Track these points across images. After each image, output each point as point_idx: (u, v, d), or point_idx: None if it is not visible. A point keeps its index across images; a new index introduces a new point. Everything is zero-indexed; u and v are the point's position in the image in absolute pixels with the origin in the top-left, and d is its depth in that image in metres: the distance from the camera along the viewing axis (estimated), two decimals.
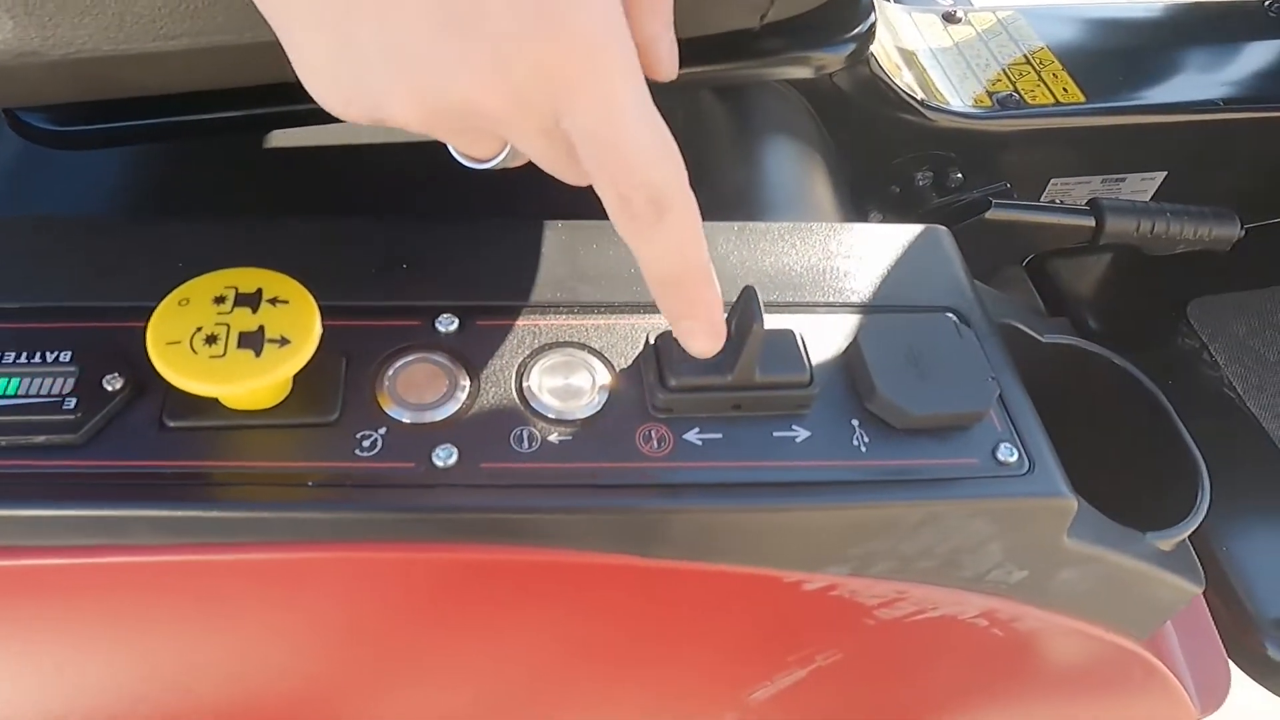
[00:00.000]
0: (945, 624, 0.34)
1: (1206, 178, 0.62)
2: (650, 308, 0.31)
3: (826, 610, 0.32)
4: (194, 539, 0.25)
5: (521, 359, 0.29)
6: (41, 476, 0.24)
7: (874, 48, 0.55)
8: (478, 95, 0.20)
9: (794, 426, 0.29)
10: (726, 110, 0.48)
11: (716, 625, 0.32)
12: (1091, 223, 0.56)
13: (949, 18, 0.64)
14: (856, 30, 0.43)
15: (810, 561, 0.29)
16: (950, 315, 0.33)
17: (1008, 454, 0.29)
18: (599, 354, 0.29)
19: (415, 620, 0.30)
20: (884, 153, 0.57)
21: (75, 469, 0.25)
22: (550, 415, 0.27)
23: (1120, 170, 0.61)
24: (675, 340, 0.27)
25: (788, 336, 0.29)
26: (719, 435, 0.28)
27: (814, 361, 0.29)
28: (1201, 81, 0.61)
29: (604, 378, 0.29)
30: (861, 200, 0.59)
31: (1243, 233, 0.58)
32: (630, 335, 0.30)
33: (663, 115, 0.22)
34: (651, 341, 0.29)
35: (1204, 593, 0.49)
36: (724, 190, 0.45)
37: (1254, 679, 0.52)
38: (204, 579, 0.26)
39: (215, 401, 0.25)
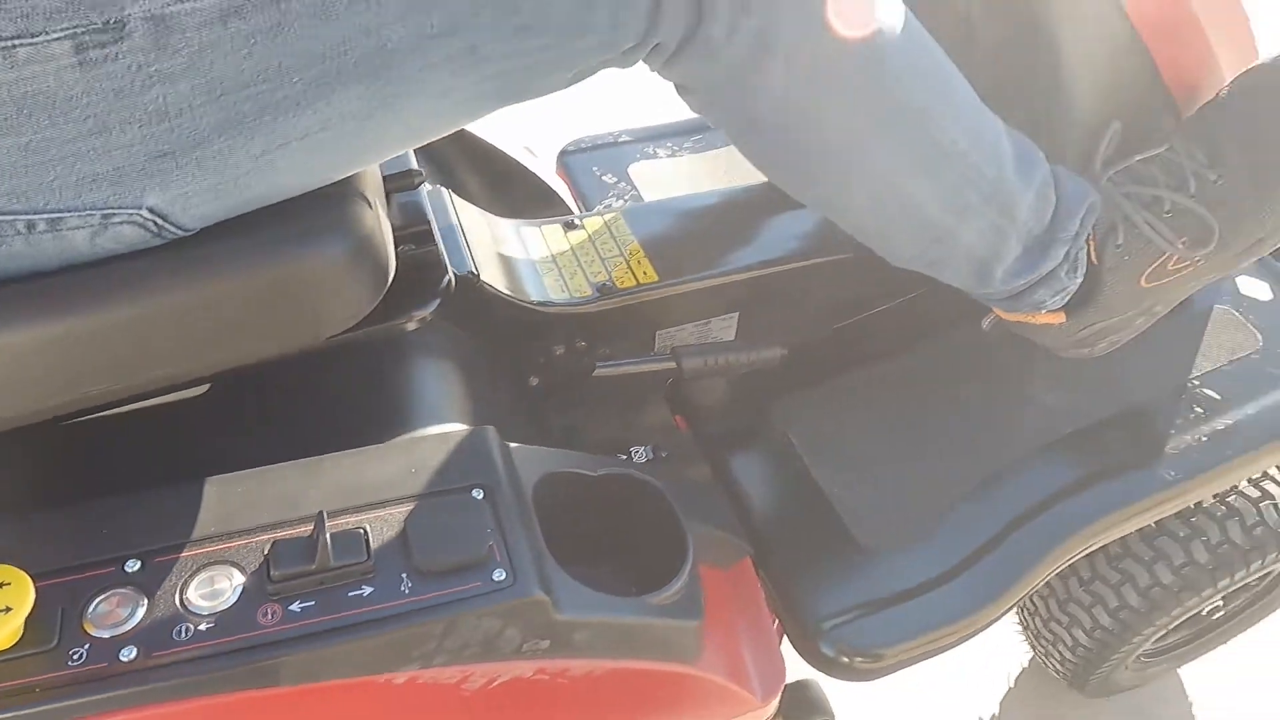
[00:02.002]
0: (517, 683, 0.53)
1: (768, 314, 0.85)
2: (272, 527, 0.49)
3: (423, 693, 0.50)
4: None
5: (183, 579, 0.46)
6: None
7: (497, 267, 0.76)
8: None
9: (362, 587, 0.47)
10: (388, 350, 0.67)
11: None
12: (674, 365, 0.79)
13: (568, 225, 0.86)
14: (440, 287, 0.64)
15: (389, 666, 0.48)
16: (477, 490, 0.52)
17: (499, 575, 0.49)
18: (237, 565, 0.47)
19: None
20: (528, 339, 0.78)
21: None
22: (201, 612, 0.45)
23: (701, 318, 0.84)
24: (285, 543, 0.46)
25: (356, 533, 0.48)
26: (312, 602, 0.46)
27: (381, 539, 0.48)
28: (754, 246, 0.85)
29: (238, 579, 0.47)
30: (525, 373, 0.80)
31: (784, 352, 0.82)
32: (258, 549, 0.48)
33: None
34: (265, 552, 0.47)
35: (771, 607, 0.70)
36: (378, 411, 0.63)
37: (820, 671, 0.73)
38: None
39: None
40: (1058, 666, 0.99)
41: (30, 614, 0.41)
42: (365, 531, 0.48)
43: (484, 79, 0.48)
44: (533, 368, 0.80)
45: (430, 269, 0.64)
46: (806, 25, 0.51)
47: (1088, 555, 0.89)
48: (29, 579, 0.42)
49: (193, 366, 0.52)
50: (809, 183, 0.63)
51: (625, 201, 1.02)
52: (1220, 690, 1.14)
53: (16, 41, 0.38)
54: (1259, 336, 0.82)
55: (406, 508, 0.50)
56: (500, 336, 0.76)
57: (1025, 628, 1.01)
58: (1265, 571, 0.87)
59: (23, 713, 0.41)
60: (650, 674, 0.59)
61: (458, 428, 0.59)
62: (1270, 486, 0.85)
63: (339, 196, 0.50)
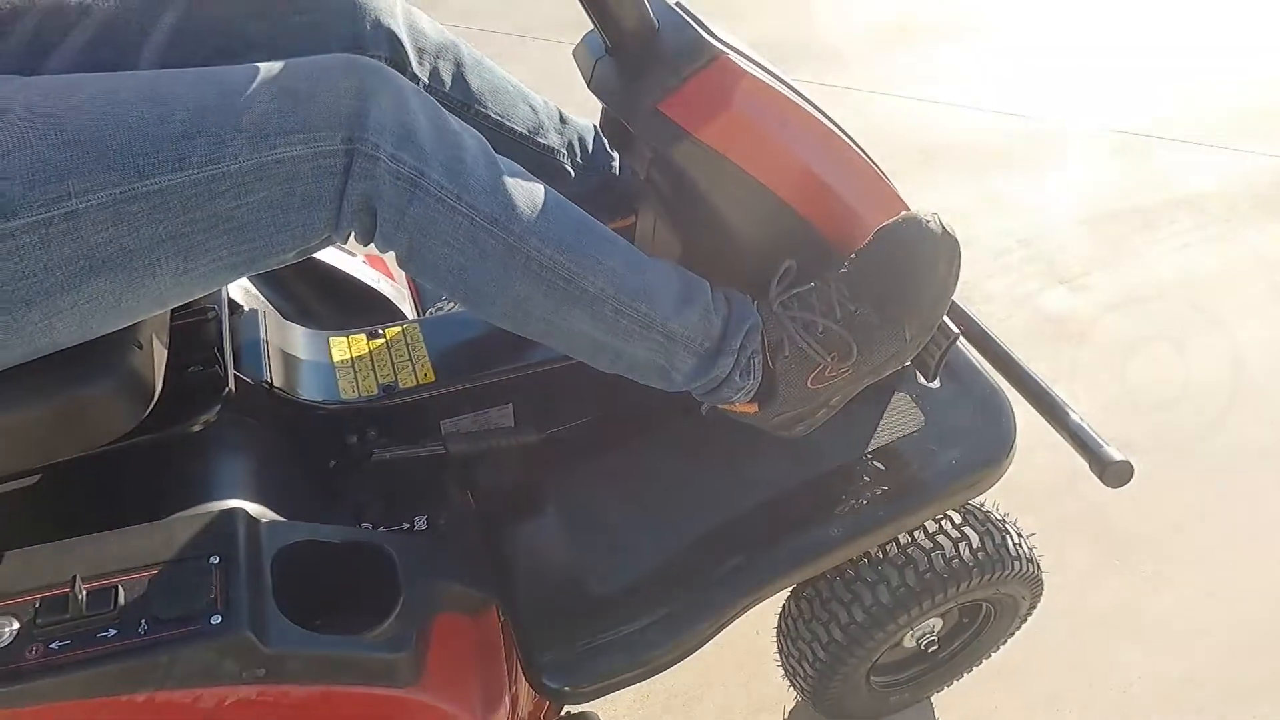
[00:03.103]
0: (245, 702, 0.70)
1: (538, 404, 1.04)
2: (47, 588, 0.66)
3: (163, 709, 0.67)
4: None
5: None
6: None
7: (293, 374, 0.95)
8: None
9: (109, 629, 0.65)
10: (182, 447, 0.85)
11: None
12: (443, 450, 0.97)
13: (371, 335, 1.05)
14: (220, 395, 0.83)
15: (131, 688, 0.65)
16: (214, 557, 0.70)
17: (215, 620, 0.66)
18: (16, 615, 0.65)
19: None
20: (322, 431, 0.96)
21: None
22: None
23: (477, 409, 1.02)
24: (50, 599, 0.64)
25: (109, 591, 0.66)
26: (68, 641, 0.64)
27: (130, 595, 0.66)
28: (522, 350, 1.03)
29: (15, 625, 0.64)
30: (325, 458, 0.97)
31: (540, 436, 1.00)
32: (32, 605, 0.65)
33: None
34: (36, 606, 0.65)
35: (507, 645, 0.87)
36: (161, 496, 0.81)
37: (548, 700, 0.90)
38: None
39: None
40: (801, 685, 1.16)
41: None
42: (118, 589, 0.66)
43: (214, 264, 0.68)
44: (331, 453, 0.98)
45: (213, 381, 0.83)
46: (450, 229, 0.71)
47: (805, 596, 1.07)
48: None
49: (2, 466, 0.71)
50: (503, 321, 0.82)
51: (451, 307, 1.22)
52: None
53: None
54: (923, 417, 1.01)
55: (153, 572, 0.68)
56: (297, 430, 0.94)
57: (780, 654, 1.18)
58: (943, 608, 1.05)
59: None
60: (367, 696, 0.76)
61: (223, 505, 0.77)
62: (941, 539, 1.02)
63: (108, 341, 0.69)
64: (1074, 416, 0.95)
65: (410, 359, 1.02)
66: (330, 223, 0.70)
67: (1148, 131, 2.67)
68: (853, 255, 0.88)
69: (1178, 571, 1.51)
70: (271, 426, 0.92)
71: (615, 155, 1.07)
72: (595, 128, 1.08)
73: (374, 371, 1.00)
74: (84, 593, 0.65)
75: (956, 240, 0.85)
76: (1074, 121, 2.70)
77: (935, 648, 1.16)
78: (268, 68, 0.68)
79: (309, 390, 0.95)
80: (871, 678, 1.16)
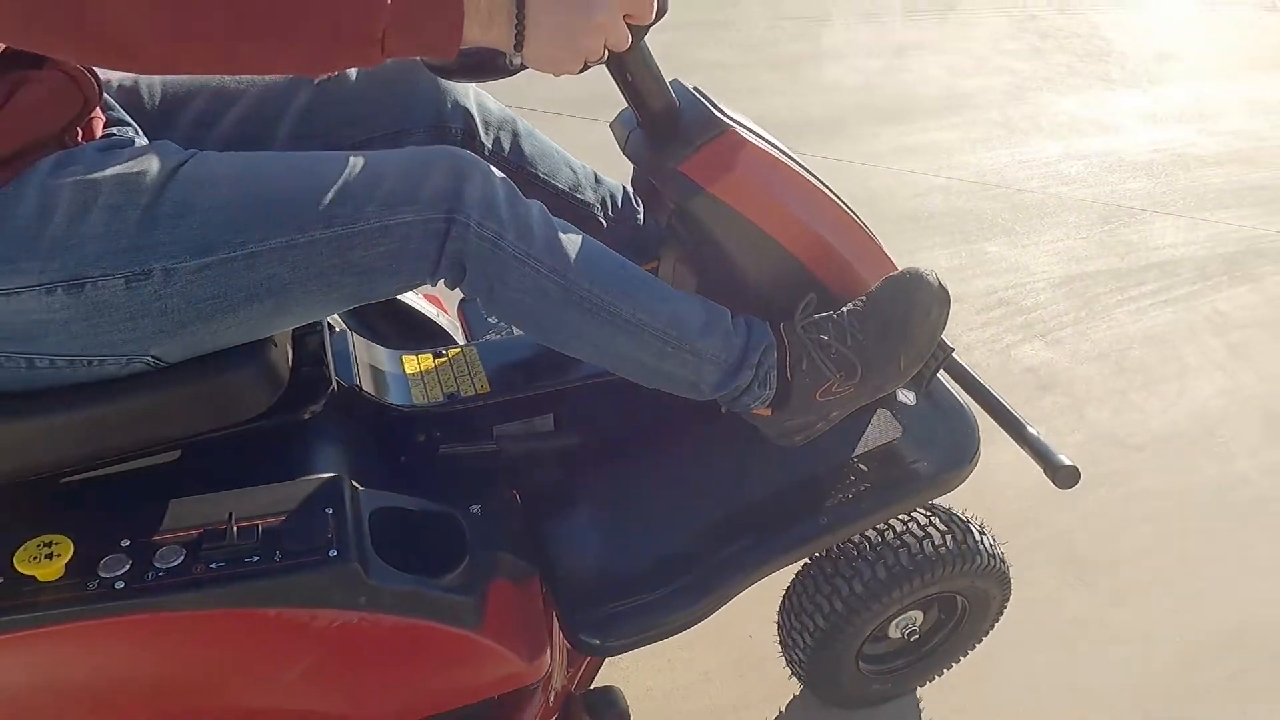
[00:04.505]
0: (349, 625, 0.88)
1: (579, 414, 1.24)
2: (207, 525, 0.85)
3: (290, 622, 0.85)
4: None
5: (151, 553, 0.83)
6: None
7: (376, 382, 1.16)
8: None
9: (254, 556, 0.84)
10: (295, 430, 1.05)
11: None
12: (496, 449, 1.17)
13: (436, 354, 1.26)
14: (325, 392, 1.03)
15: (266, 604, 0.84)
16: (328, 509, 0.89)
17: (333, 553, 0.85)
18: (184, 544, 0.84)
19: None
20: (397, 430, 1.16)
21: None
22: (160, 567, 0.81)
23: (525, 417, 1.22)
24: (210, 531, 0.83)
25: (254, 528, 0.85)
26: (223, 563, 0.83)
27: (269, 532, 0.85)
28: (562, 370, 1.24)
29: (181, 551, 0.83)
30: (398, 453, 1.17)
31: (579, 441, 1.20)
32: (196, 536, 0.84)
33: None
34: (198, 535, 0.84)
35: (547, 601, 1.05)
36: (284, 464, 1.01)
37: (582, 654, 1.07)
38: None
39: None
40: (796, 669, 1.33)
41: (68, 560, 0.78)
42: (259, 528, 0.85)
43: (341, 296, 0.90)
44: (404, 448, 1.18)
45: (320, 381, 1.03)
46: (520, 278, 0.93)
47: (810, 575, 1.25)
48: (70, 542, 0.79)
49: (165, 435, 0.91)
50: (560, 347, 1.03)
51: (497, 336, 1.43)
52: None
53: (92, 277, 0.79)
54: (901, 427, 1.21)
55: (283, 517, 0.87)
56: (378, 427, 1.14)
57: (780, 641, 1.35)
58: (926, 591, 1.22)
59: (56, 612, 0.77)
60: (440, 632, 0.94)
61: (330, 475, 0.97)
62: (928, 529, 1.21)
63: (257, 342, 0.90)
64: (1030, 429, 1.14)
65: (469, 374, 1.22)
66: (430, 272, 0.91)
67: (1123, 201, 2.91)
68: (863, 296, 1.08)
69: (1133, 593, 1.68)
70: (359, 422, 1.12)
71: (640, 208, 1.29)
72: (624, 186, 1.30)
73: (439, 383, 1.21)
74: (236, 528, 0.84)
75: (948, 292, 1.06)
76: (1053, 192, 2.95)
77: (916, 638, 1.33)
78: (393, 154, 0.90)
79: (388, 395, 1.16)
80: (860, 662, 1.33)
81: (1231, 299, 2.49)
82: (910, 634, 1.33)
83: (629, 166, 1.14)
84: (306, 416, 1.01)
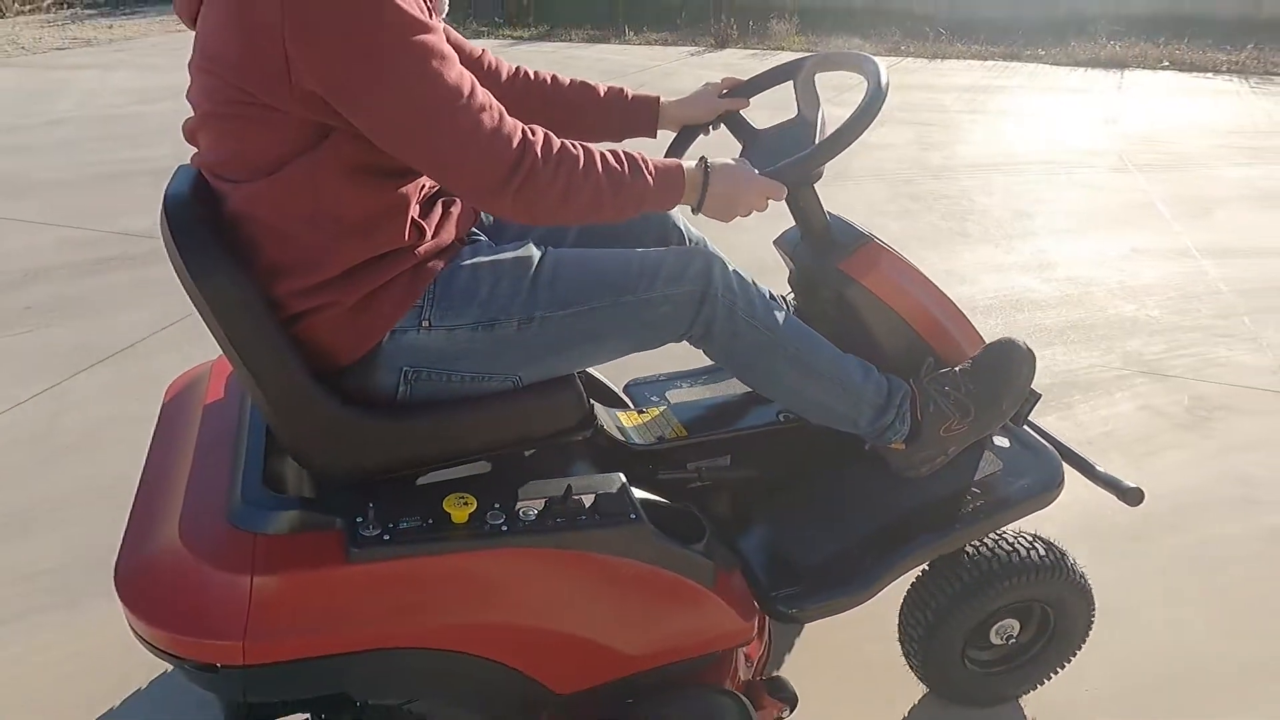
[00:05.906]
0: (635, 568, 1.24)
1: (756, 452, 1.63)
2: (549, 497, 1.24)
3: (600, 563, 1.21)
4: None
5: (513, 507, 1.20)
6: None
7: (612, 426, 1.56)
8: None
9: (595, 515, 1.21)
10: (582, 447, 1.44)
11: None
12: (696, 476, 1.55)
13: (640, 412, 1.67)
14: (592, 425, 1.43)
15: (598, 549, 1.21)
16: (619, 475, 1.27)
17: (634, 516, 1.23)
18: (539, 506, 1.22)
19: None
20: (627, 461, 1.55)
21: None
22: (520, 516, 1.19)
23: (710, 457, 1.61)
24: (553, 499, 1.21)
25: (580, 500, 1.23)
26: (562, 520, 1.20)
27: (599, 502, 1.23)
28: (739, 419, 1.64)
29: (538, 504, 1.21)
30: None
31: (758, 474, 1.58)
32: (552, 501, 1.22)
33: None
34: (546, 500, 1.22)
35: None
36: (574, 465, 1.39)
37: (779, 621, 1.42)
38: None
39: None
40: (912, 661, 1.65)
41: (472, 511, 1.16)
42: (582, 499, 1.23)
43: (624, 346, 1.33)
44: (631, 476, 1.56)
45: (589, 415, 1.43)
46: (747, 334, 1.36)
47: (928, 574, 1.60)
48: (474, 499, 1.17)
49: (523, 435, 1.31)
50: (762, 388, 1.45)
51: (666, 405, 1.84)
52: None
53: (501, 320, 1.23)
54: (1001, 463, 1.59)
55: (595, 496, 1.26)
56: (613, 458, 1.54)
57: (900, 636, 1.67)
58: (1006, 599, 1.56)
59: (461, 543, 1.15)
60: (689, 587, 1.30)
61: (613, 474, 1.35)
62: (998, 551, 1.57)
63: (569, 377, 1.32)
64: (1099, 467, 1.54)
65: (670, 424, 1.63)
66: (684, 333, 1.35)
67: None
68: (970, 358, 1.52)
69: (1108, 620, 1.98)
70: (604, 453, 1.52)
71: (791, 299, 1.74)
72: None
73: (649, 431, 1.61)
74: (570, 498, 1.22)
75: (1035, 356, 1.50)
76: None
77: (1015, 644, 1.66)
78: (664, 250, 1.36)
79: (621, 436, 1.56)
80: (966, 661, 1.65)
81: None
82: (1009, 638, 1.65)
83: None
84: (589, 434, 1.41)
